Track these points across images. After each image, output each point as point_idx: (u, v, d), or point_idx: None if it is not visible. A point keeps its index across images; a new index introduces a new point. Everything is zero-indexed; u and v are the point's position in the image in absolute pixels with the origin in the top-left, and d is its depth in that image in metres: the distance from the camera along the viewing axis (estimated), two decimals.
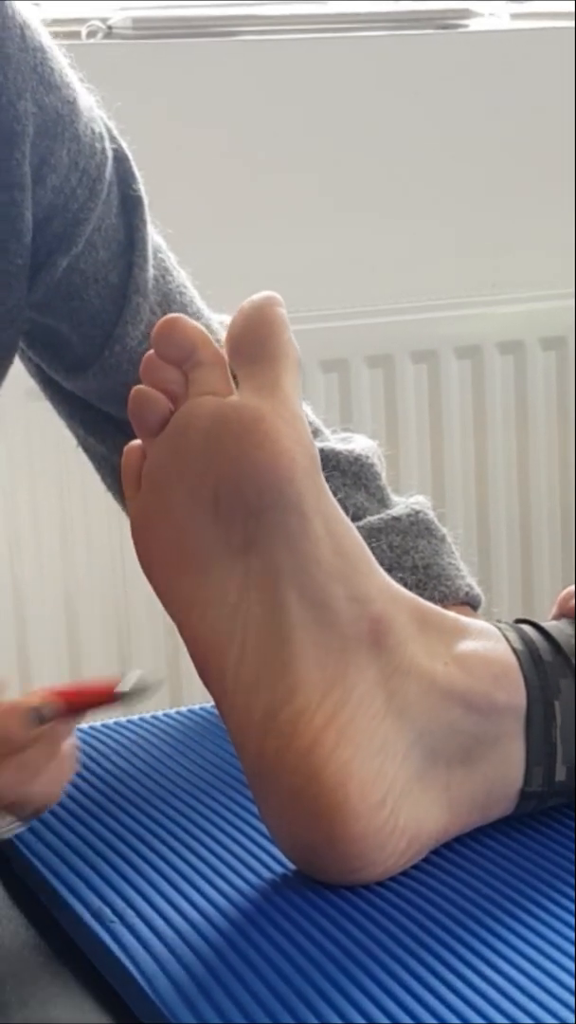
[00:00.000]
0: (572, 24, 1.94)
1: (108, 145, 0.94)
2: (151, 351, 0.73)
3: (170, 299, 0.97)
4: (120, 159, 0.95)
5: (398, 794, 0.69)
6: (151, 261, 0.96)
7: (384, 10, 1.96)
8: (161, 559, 0.71)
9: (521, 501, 1.99)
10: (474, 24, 1.99)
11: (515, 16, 2.02)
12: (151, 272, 0.96)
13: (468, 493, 1.96)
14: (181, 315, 0.73)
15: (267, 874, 0.71)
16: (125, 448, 0.74)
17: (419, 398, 1.91)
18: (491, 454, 1.96)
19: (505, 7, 2.01)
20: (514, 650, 0.73)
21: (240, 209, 1.81)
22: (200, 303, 1.00)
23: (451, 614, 0.74)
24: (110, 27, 1.78)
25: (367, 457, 0.97)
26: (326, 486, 0.70)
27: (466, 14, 1.98)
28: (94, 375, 0.95)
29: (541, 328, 1.97)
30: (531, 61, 1.96)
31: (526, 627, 0.75)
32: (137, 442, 0.73)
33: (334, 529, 0.70)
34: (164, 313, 0.95)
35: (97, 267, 0.94)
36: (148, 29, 1.81)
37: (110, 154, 0.94)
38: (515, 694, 0.72)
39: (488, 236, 1.96)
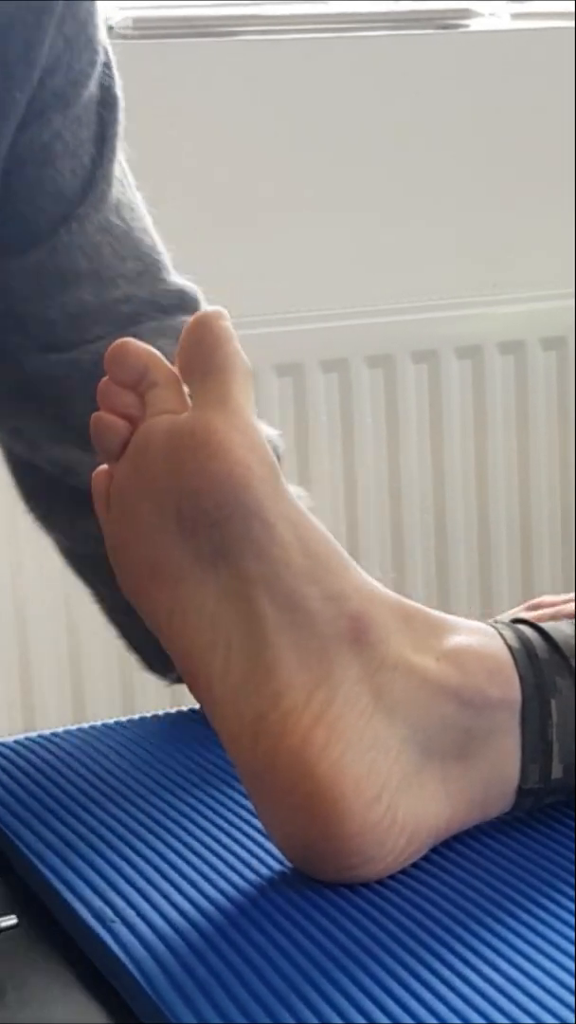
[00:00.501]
0: (572, 24, 1.94)
1: (106, 38, 0.96)
2: (106, 377, 0.74)
3: (131, 207, 0.98)
4: (108, 63, 0.97)
5: (394, 789, 0.69)
6: (117, 159, 0.98)
7: (384, 10, 1.96)
8: (137, 577, 0.73)
9: (521, 501, 1.99)
10: (474, 24, 1.99)
11: (515, 16, 2.02)
12: (117, 170, 0.97)
13: (468, 493, 1.96)
14: (131, 339, 0.75)
15: (268, 873, 0.71)
16: (93, 473, 0.76)
17: (419, 398, 1.92)
18: (491, 454, 1.96)
19: (505, 7, 2.01)
20: (509, 647, 0.73)
21: (240, 209, 1.82)
22: (152, 232, 1.01)
23: (438, 613, 0.74)
24: (110, 27, 1.78)
25: (274, 444, 0.98)
26: (287, 490, 0.72)
27: (466, 14, 1.98)
28: (39, 253, 0.95)
29: (542, 328, 1.97)
30: (531, 61, 1.96)
31: (523, 627, 0.75)
32: (104, 467, 0.75)
33: (301, 532, 0.71)
34: (123, 221, 0.97)
35: (77, 142, 0.95)
36: (148, 29, 1.81)
37: (107, 46, 0.96)
38: (509, 690, 0.72)
39: (488, 236, 1.96)
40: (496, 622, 0.76)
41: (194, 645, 0.71)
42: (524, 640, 0.74)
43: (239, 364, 0.73)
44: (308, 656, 0.69)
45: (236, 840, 0.75)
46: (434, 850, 0.72)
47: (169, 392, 0.73)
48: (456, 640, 0.72)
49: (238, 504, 0.70)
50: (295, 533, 0.71)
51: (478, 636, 0.73)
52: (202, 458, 0.70)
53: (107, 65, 0.97)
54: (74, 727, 0.94)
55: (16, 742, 0.91)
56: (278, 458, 0.93)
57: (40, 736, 0.92)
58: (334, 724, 0.68)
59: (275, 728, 0.69)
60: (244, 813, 0.77)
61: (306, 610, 0.70)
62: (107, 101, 0.97)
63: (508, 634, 0.74)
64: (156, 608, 0.72)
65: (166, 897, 0.69)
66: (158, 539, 0.71)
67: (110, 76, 0.97)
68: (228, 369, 0.72)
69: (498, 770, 0.72)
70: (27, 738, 0.92)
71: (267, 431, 0.95)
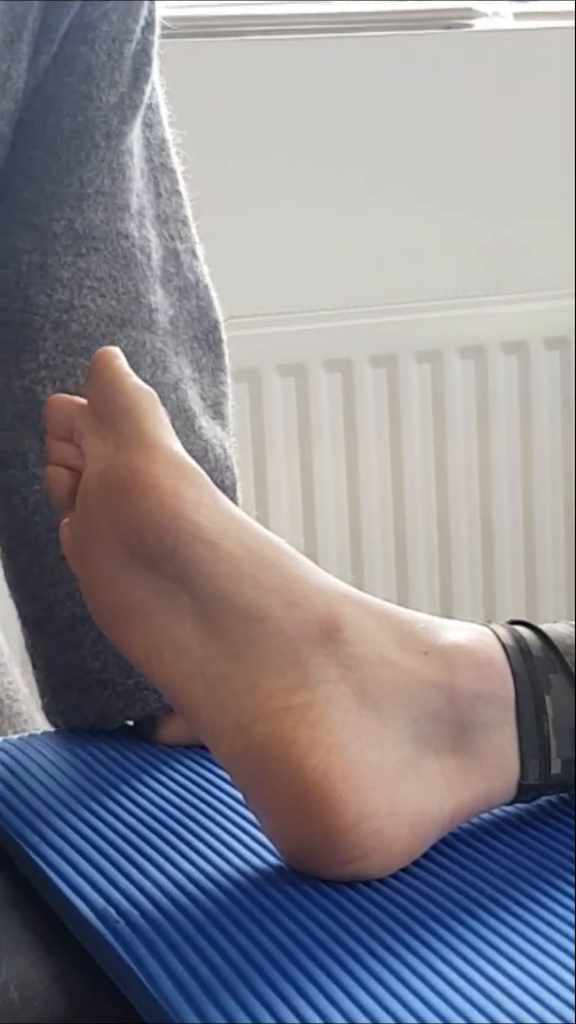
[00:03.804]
0: (573, 24, 1.94)
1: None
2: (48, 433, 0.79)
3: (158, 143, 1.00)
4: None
5: (390, 780, 0.69)
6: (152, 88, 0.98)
7: (387, 10, 1.96)
8: (112, 622, 0.75)
9: (524, 501, 1.99)
10: (477, 24, 1.99)
11: (518, 16, 2.02)
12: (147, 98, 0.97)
13: (471, 493, 1.96)
14: (59, 394, 0.79)
15: (272, 873, 0.72)
16: (60, 526, 0.79)
17: (423, 398, 1.92)
18: (494, 454, 1.96)
19: (508, 7, 2.02)
20: (502, 644, 0.73)
21: (242, 209, 1.82)
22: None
23: (422, 615, 0.74)
24: None
25: (216, 455, 0.98)
26: (226, 504, 0.73)
27: (469, 14, 1.98)
28: (69, 165, 0.94)
29: (544, 328, 1.98)
30: (534, 61, 1.97)
31: (519, 627, 0.75)
32: (65, 520, 0.78)
33: (248, 544, 0.72)
34: (144, 149, 0.97)
35: (119, 58, 0.94)
36: None
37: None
38: (500, 684, 0.72)
39: (492, 236, 1.96)
40: (491, 623, 0.76)
41: (175, 678, 0.72)
42: (518, 638, 0.74)
43: (141, 396, 0.76)
44: (283, 663, 0.70)
45: (241, 841, 0.75)
46: (435, 848, 0.72)
47: (98, 438, 0.76)
48: (446, 637, 0.73)
49: (178, 532, 0.71)
50: (242, 546, 0.72)
51: (469, 633, 0.73)
52: (134, 498, 0.72)
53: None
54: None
55: (19, 739, 0.91)
56: (229, 468, 0.95)
57: (44, 734, 0.92)
58: (317, 724, 0.69)
59: (260, 739, 0.69)
60: (248, 813, 0.78)
61: (272, 619, 0.70)
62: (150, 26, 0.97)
63: (502, 632, 0.74)
64: (134, 650, 0.74)
65: (169, 897, 0.70)
66: (119, 582, 0.73)
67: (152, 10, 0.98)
68: (133, 408, 0.75)
69: (498, 763, 0.73)
70: (30, 735, 0.92)
71: (218, 441, 0.95)
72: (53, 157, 0.94)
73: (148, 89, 0.97)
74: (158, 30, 0.98)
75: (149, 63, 0.96)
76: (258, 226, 1.83)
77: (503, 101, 1.95)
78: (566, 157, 1.96)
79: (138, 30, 0.95)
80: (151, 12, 0.96)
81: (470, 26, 1.98)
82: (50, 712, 0.93)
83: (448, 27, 1.97)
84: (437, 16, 1.97)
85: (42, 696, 0.94)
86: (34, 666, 0.94)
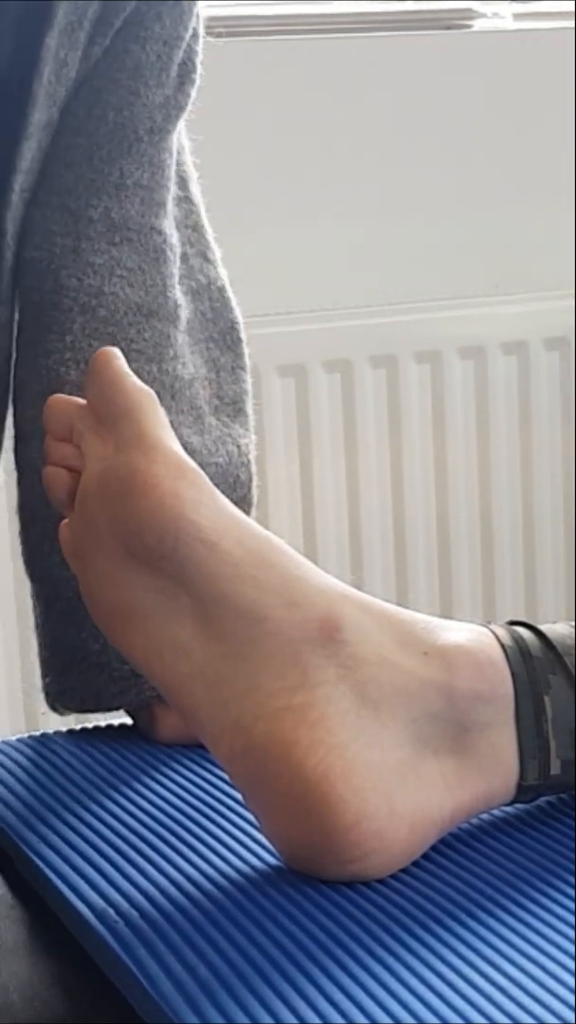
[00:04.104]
0: (573, 24, 1.94)
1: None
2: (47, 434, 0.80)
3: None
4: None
5: (390, 780, 0.69)
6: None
7: (387, 11, 1.96)
8: (112, 622, 0.75)
9: (524, 501, 1.99)
10: (478, 24, 1.99)
11: (518, 16, 2.02)
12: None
13: (471, 493, 1.96)
14: (58, 395, 0.80)
15: (270, 873, 0.72)
16: (60, 527, 0.79)
17: (422, 398, 1.92)
18: (494, 454, 1.96)
19: (508, 7, 2.01)
20: (502, 644, 0.73)
21: (242, 209, 1.82)
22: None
23: (422, 615, 0.75)
24: None
25: (231, 452, 0.98)
26: (225, 505, 0.74)
27: (469, 14, 1.98)
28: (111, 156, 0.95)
29: (544, 328, 1.97)
30: (534, 61, 1.96)
31: (518, 627, 0.75)
32: (65, 520, 0.79)
33: (248, 544, 0.72)
34: (179, 153, 0.99)
35: (168, 61, 0.96)
36: None
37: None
38: (499, 684, 0.72)
39: (491, 236, 1.96)
40: (490, 623, 0.76)
41: (175, 678, 0.72)
42: (517, 638, 0.74)
43: (141, 396, 0.76)
44: (283, 663, 0.70)
45: (241, 841, 0.75)
46: (435, 848, 0.72)
47: (98, 438, 0.76)
48: (445, 637, 0.73)
49: (178, 533, 0.72)
50: (242, 546, 0.72)
51: (468, 634, 0.74)
52: (134, 499, 0.73)
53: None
54: (77, 727, 0.94)
55: (20, 740, 0.91)
56: (244, 464, 0.95)
57: (43, 735, 0.92)
58: (317, 724, 0.69)
59: (260, 739, 0.69)
60: (247, 813, 0.78)
61: (271, 620, 0.71)
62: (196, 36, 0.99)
63: (501, 633, 0.74)
64: (135, 650, 0.74)
65: (169, 897, 0.70)
66: (119, 582, 0.73)
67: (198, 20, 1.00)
68: (133, 408, 0.76)
69: (497, 763, 0.73)
70: (30, 737, 0.92)
71: (231, 439, 0.96)
72: (95, 146, 0.95)
73: (192, 94, 0.98)
74: (201, 42, 0.99)
75: (194, 70, 0.98)
76: (258, 226, 1.83)
77: (503, 101, 1.95)
78: (566, 157, 1.96)
79: (187, 37, 0.97)
80: (198, 23, 0.98)
81: (470, 26, 1.98)
82: (49, 693, 0.94)
83: (448, 27, 1.97)
84: (437, 16, 1.97)
85: (44, 677, 0.95)
86: (40, 645, 0.95)
